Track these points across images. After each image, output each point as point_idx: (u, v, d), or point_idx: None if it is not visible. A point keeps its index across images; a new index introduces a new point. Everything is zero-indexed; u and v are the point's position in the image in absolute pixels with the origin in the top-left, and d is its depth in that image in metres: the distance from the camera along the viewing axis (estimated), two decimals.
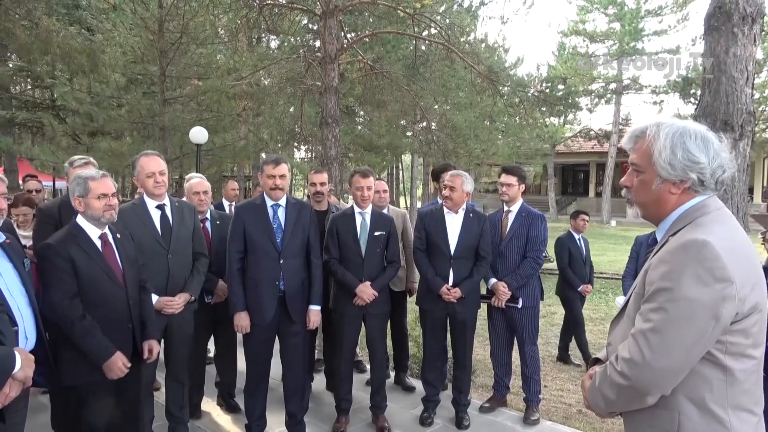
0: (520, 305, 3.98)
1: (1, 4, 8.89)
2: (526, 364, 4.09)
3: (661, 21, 29.62)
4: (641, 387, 1.37)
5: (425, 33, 11.16)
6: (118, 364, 2.59)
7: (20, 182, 10.68)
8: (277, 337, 3.59)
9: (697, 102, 3.68)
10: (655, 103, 31.13)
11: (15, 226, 3.85)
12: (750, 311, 1.35)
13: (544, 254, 4.09)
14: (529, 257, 3.98)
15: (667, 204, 1.48)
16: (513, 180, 4.05)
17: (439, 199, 4.19)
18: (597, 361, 1.66)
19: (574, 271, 5.74)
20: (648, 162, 1.46)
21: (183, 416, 3.60)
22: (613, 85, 31.25)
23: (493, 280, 4.01)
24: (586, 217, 6.00)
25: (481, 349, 5.48)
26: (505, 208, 4.15)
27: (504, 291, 3.94)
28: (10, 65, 17.61)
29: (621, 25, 29.38)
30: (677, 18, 28.71)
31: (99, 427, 2.71)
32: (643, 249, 4.86)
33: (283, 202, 3.50)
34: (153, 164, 3.32)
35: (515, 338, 4.17)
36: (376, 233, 3.78)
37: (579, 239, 5.84)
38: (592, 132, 33.31)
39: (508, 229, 4.06)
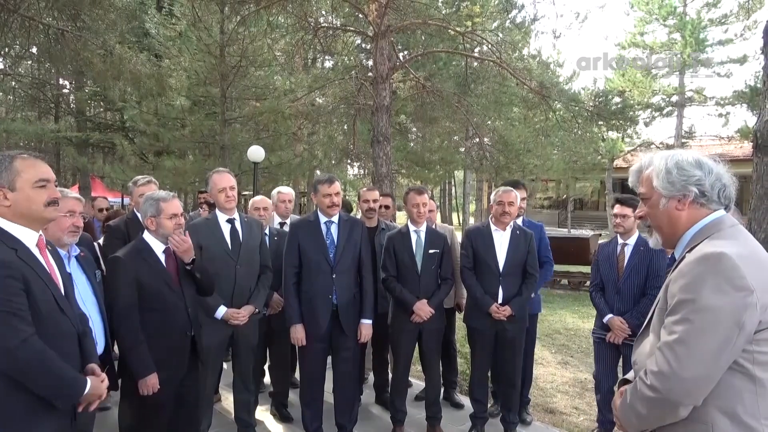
0: None
1: (81, 37, 9.62)
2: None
3: (726, 30, 28.19)
4: (672, 398, 1.40)
5: (477, 50, 11.23)
6: (153, 382, 2.75)
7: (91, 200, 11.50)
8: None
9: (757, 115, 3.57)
10: (720, 115, 29.65)
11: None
12: None
13: None
14: (650, 294, 3.69)
15: (678, 222, 1.57)
16: (628, 211, 3.77)
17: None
18: (626, 381, 1.68)
19: None
20: (651, 188, 1.61)
21: (251, 420, 3.81)
22: (675, 98, 30.04)
23: (609, 316, 3.82)
24: None
25: (534, 369, 5.39)
26: (620, 241, 3.93)
27: (621, 327, 3.74)
28: (86, 90, 18.98)
29: (682, 36, 28.30)
30: (744, 26, 27.40)
31: (162, 428, 2.90)
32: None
33: (335, 219, 3.64)
34: (224, 180, 3.59)
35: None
36: (431, 251, 3.87)
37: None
38: (653, 146, 32.06)
39: (625, 265, 3.82)
